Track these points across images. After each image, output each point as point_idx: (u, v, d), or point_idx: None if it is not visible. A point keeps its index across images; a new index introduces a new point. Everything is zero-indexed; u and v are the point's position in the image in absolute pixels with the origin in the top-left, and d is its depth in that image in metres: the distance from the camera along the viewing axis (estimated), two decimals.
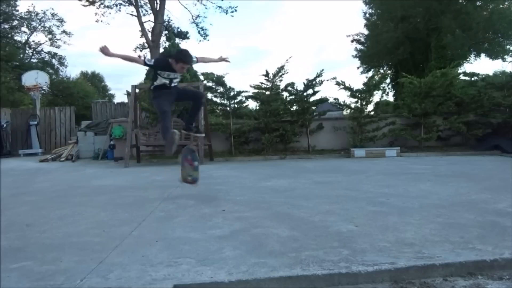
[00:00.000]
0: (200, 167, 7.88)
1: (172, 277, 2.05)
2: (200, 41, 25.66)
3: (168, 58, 4.34)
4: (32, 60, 26.36)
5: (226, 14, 22.92)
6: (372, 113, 10.60)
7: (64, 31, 26.37)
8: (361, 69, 23.11)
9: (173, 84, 4.42)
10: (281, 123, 10.44)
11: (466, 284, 1.98)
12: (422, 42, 18.28)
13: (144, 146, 9.41)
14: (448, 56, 16.06)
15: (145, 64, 4.31)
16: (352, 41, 22.53)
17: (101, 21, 27.71)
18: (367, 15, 22.17)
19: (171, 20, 24.96)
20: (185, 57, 4.24)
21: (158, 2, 21.04)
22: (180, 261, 2.29)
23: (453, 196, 4.04)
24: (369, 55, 21.22)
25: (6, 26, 24.15)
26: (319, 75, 10.29)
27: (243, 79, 58.99)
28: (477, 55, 19.11)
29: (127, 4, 22.08)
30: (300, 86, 10.57)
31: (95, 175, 7.30)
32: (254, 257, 2.30)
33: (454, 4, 17.23)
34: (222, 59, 4.81)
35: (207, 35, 23.81)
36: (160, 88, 4.36)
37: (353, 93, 10.31)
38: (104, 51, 4.20)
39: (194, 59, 4.44)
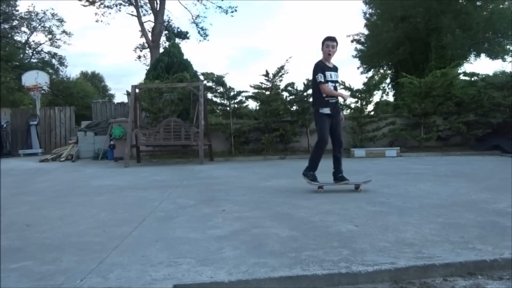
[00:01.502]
0: (200, 167, 7.93)
1: (172, 277, 2.05)
2: (200, 41, 25.73)
3: (320, 61, 4.50)
4: (32, 60, 26.38)
5: (226, 14, 23.00)
6: (372, 113, 10.60)
7: (64, 31, 26.43)
8: (361, 69, 23.13)
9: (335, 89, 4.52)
10: (281, 123, 10.44)
11: (466, 284, 1.98)
12: (422, 42, 18.27)
13: (144, 146, 9.40)
14: (448, 56, 16.06)
15: (323, 80, 4.39)
16: (352, 41, 22.54)
17: (101, 21, 27.81)
18: (367, 15, 22.19)
19: (171, 20, 25.03)
20: (327, 36, 4.41)
21: (158, 2, 21.06)
22: (180, 261, 2.29)
23: (453, 196, 4.04)
24: (369, 55, 21.22)
25: (6, 26, 24.16)
26: None
27: (243, 79, 59.05)
28: (477, 55, 19.11)
29: (127, 4, 22.11)
30: (300, 86, 10.59)
31: (95, 175, 7.30)
32: (254, 257, 2.30)
33: (454, 4, 17.24)
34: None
35: (207, 35, 23.86)
36: (326, 107, 4.40)
37: (353, 93, 10.31)
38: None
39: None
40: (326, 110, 4.42)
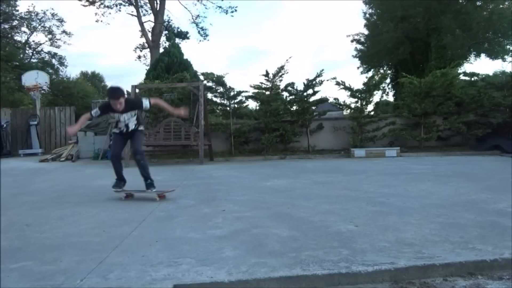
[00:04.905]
0: (200, 167, 7.92)
1: (172, 277, 2.05)
2: (200, 41, 25.70)
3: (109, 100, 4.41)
4: (32, 60, 26.34)
5: (226, 14, 22.95)
6: (372, 113, 10.61)
7: (64, 31, 26.37)
8: (361, 69, 23.12)
9: (130, 129, 4.50)
10: (281, 123, 10.44)
11: (466, 284, 1.98)
12: (422, 42, 18.26)
13: (144, 146, 9.39)
14: (448, 56, 16.06)
15: (95, 116, 4.56)
16: (352, 41, 22.53)
17: (101, 21, 27.74)
18: (367, 15, 22.16)
19: (171, 20, 25.00)
20: (111, 92, 4.26)
21: (158, 2, 21.05)
22: (180, 261, 2.29)
23: (453, 196, 4.04)
24: (369, 55, 21.21)
25: (6, 26, 24.14)
26: (319, 75, 10.31)
27: (243, 79, 59.08)
28: (477, 55, 19.10)
29: (127, 4, 22.09)
30: (300, 86, 10.60)
31: (95, 175, 7.29)
32: (254, 257, 2.30)
33: (454, 4, 17.23)
34: (179, 113, 4.85)
35: (207, 35, 23.82)
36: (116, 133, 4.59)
37: (353, 93, 10.32)
38: (71, 131, 4.89)
39: (146, 106, 4.49)
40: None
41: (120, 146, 4.70)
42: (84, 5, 21.50)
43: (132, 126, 4.47)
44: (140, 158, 4.43)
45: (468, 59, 18.80)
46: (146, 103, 4.47)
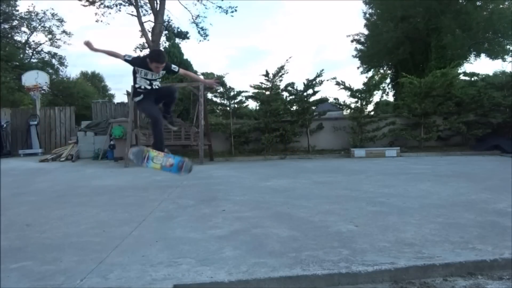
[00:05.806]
0: (200, 167, 7.92)
1: (172, 277, 2.05)
2: (200, 41, 25.67)
3: (145, 58, 4.27)
4: (32, 60, 26.33)
5: (226, 14, 22.85)
6: (372, 113, 10.61)
7: (64, 31, 26.35)
8: (361, 69, 23.11)
9: (154, 86, 4.34)
10: (281, 123, 10.45)
11: (466, 284, 1.98)
12: (422, 42, 18.26)
13: (145, 147, 9.40)
14: (448, 56, 16.05)
15: (125, 60, 4.27)
16: (352, 41, 22.52)
17: (101, 21, 27.64)
18: (367, 15, 22.16)
19: (171, 20, 24.93)
20: (157, 56, 4.14)
21: (158, 2, 21.03)
22: (180, 261, 2.29)
23: (453, 196, 4.04)
24: (369, 55, 21.21)
25: (6, 26, 24.14)
26: (319, 75, 10.31)
27: (243, 79, 58.98)
28: (477, 55, 19.09)
29: (127, 4, 22.05)
30: (300, 86, 10.60)
31: (95, 175, 7.29)
32: (254, 257, 2.30)
33: (454, 4, 17.22)
34: (211, 83, 4.96)
35: (207, 35, 23.77)
36: (141, 93, 4.32)
37: (353, 93, 10.32)
38: (89, 46, 4.28)
39: (175, 68, 4.42)
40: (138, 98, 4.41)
41: (157, 107, 4.51)
42: (84, 5, 21.42)
43: (155, 85, 4.36)
44: (176, 88, 4.63)
45: (468, 59, 18.79)
46: (174, 65, 4.47)
